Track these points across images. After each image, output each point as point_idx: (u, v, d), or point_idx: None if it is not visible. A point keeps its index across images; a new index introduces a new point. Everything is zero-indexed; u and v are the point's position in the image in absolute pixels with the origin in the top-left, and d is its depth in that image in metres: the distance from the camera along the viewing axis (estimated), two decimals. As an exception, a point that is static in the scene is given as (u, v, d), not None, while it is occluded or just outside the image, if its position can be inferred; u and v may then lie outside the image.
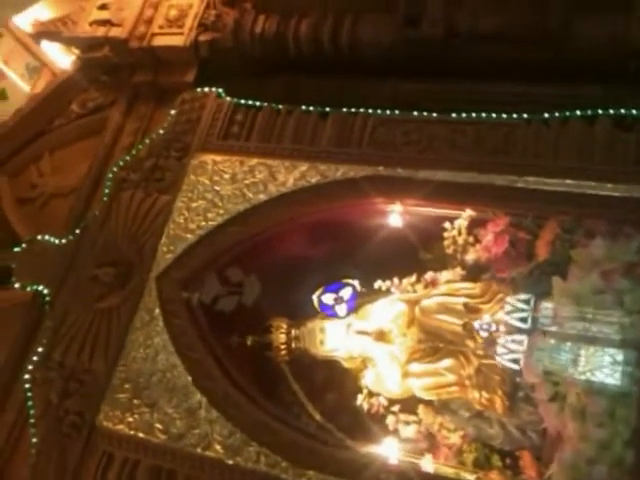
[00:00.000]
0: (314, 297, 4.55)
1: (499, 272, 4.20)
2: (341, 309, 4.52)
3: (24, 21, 6.73)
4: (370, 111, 4.50)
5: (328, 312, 4.52)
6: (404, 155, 4.25)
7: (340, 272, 4.72)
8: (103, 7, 5.69)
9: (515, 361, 3.89)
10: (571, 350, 3.77)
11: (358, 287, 4.55)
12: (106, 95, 5.83)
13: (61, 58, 7.51)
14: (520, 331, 3.93)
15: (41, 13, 6.39)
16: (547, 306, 3.93)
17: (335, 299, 4.54)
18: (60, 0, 6.20)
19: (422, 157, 4.21)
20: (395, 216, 4.39)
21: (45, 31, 6.01)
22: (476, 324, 4.04)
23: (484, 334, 4.01)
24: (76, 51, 6.00)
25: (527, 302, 3.98)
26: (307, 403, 4.52)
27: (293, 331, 4.53)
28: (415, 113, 4.40)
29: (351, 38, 4.96)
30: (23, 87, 7.67)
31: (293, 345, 4.55)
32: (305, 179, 4.39)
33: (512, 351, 3.92)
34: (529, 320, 3.92)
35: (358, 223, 4.57)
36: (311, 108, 4.68)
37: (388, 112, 4.47)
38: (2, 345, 5.03)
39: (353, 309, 4.56)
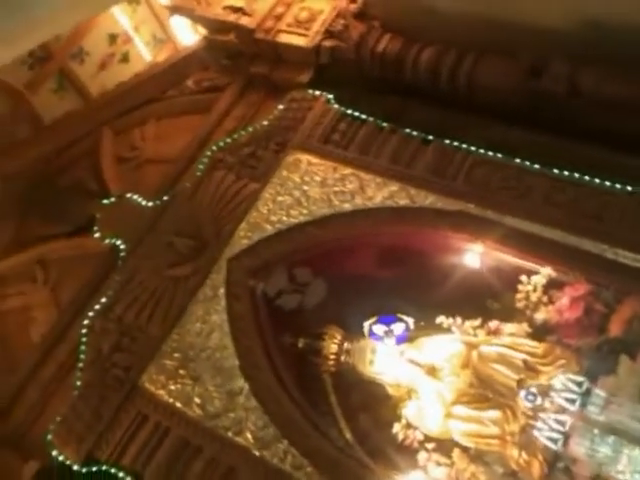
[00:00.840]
0: (366, 324, 4.54)
1: (566, 338, 4.09)
2: (390, 342, 4.50)
3: (164, -7, 7.02)
4: (473, 148, 4.48)
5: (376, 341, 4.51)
6: (498, 199, 4.21)
7: (403, 299, 4.69)
8: (239, -5, 5.88)
9: (553, 440, 3.77)
10: (614, 445, 3.63)
11: (411, 325, 4.52)
12: (222, 78, 6.03)
13: (186, 35, 7.80)
14: (565, 412, 3.81)
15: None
16: (599, 393, 3.79)
17: (386, 331, 4.52)
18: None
19: (515, 204, 4.15)
20: (473, 256, 4.34)
21: (180, 6, 6.26)
22: (522, 393, 3.94)
23: (528, 404, 3.92)
24: (202, 31, 6.22)
25: (580, 385, 3.86)
26: (340, 419, 4.49)
27: (346, 344, 4.53)
28: (517, 160, 4.35)
29: (470, 76, 4.97)
30: (145, 55, 7.99)
31: (342, 358, 4.54)
32: (393, 199, 4.41)
33: (553, 429, 3.81)
34: (577, 403, 3.79)
35: (433, 254, 4.54)
36: (415, 133, 4.70)
37: (490, 154, 4.43)
38: (70, 288, 5.26)
39: (402, 342, 4.52)
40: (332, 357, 4.54)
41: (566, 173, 4.22)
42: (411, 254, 4.63)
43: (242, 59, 5.87)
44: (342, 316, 4.68)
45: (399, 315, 4.56)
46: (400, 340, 4.52)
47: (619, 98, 4.41)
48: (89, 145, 6.09)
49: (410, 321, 4.52)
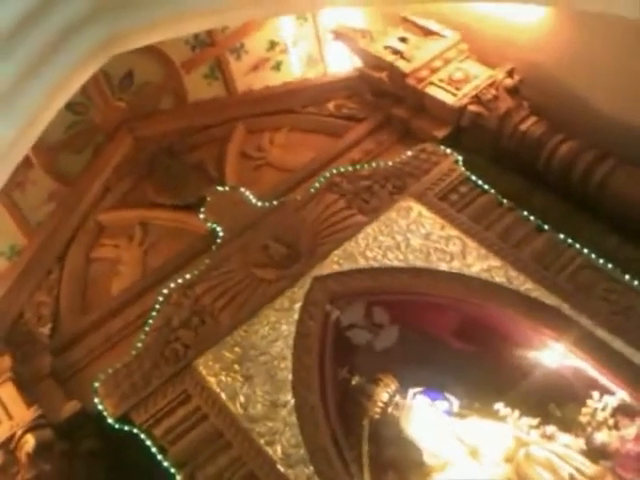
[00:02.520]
0: (411, 391, 4.48)
1: (621, 468, 3.92)
2: (438, 413, 4.43)
3: (331, 17, 7.26)
4: (585, 250, 4.40)
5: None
6: (595, 308, 4.10)
7: (466, 373, 4.61)
8: (403, 40, 6.05)
9: None
10: None
11: (455, 407, 4.44)
12: (361, 110, 6.20)
13: (339, 61, 8.02)
14: None
15: (351, 18, 6.88)
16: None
17: (428, 404, 4.45)
18: (377, 15, 6.63)
19: (612, 319, 4.03)
20: (551, 354, 4.23)
21: (345, 34, 6.49)
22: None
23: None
24: (357, 62, 6.42)
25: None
26: (366, 470, 4.43)
27: (397, 397, 4.49)
28: (627, 277, 4.24)
29: (603, 180, 4.90)
30: (295, 69, 8.26)
31: (389, 409, 4.50)
32: (490, 273, 4.37)
33: None
34: None
35: (512, 340, 4.46)
36: (532, 217, 4.66)
37: (601, 261, 4.33)
38: (160, 256, 5.48)
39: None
40: (380, 405, 4.50)
41: (673, 305, 4.06)
42: (490, 332, 4.56)
43: (386, 98, 6.01)
44: (402, 369, 4.64)
45: (446, 394, 4.51)
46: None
47: None
48: (221, 134, 6.36)
49: (455, 403, 4.46)
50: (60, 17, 3.80)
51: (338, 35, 6.78)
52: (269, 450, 3.93)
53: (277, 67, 8.12)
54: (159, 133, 6.41)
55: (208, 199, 5.36)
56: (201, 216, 5.28)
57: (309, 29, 8.17)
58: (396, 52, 5.94)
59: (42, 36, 3.74)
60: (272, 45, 7.94)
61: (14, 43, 3.41)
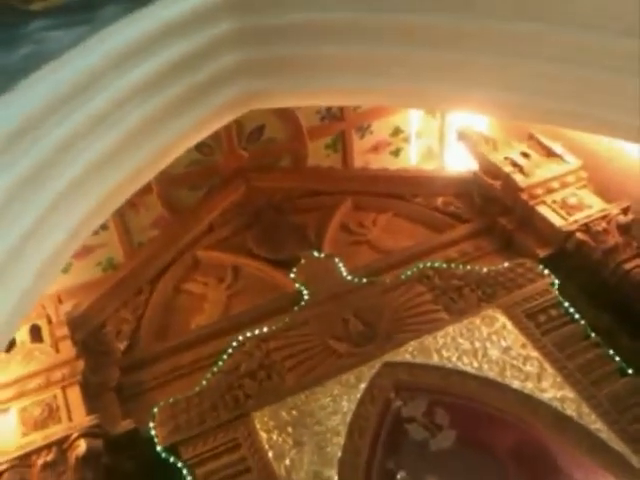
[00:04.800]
0: None
1: None
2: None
3: (459, 117, 7.48)
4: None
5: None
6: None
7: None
8: (525, 155, 6.14)
9: None
10: None
11: None
12: (467, 212, 6.27)
13: (456, 159, 8.20)
14: None
15: (478, 122, 7.07)
16: None
17: None
18: (504, 126, 6.78)
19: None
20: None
21: (469, 137, 6.65)
22: None
23: None
24: (474, 166, 6.54)
25: None
26: None
27: (438, 503, 4.38)
28: None
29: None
30: (412, 159, 8.50)
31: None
32: (562, 404, 4.27)
33: None
34: None
35: (566, 475, 4.30)
36: (617, 358, 4.54)
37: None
38: (243, 304, 5.67)
39: None
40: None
41: None
42: (546, 462, 4.41)
43: (495, 206, 6.07)
44: (450, 476, 4.54)
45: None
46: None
47: None
48: (329, 203, 6.59)
49: None
50: (213, 66, 4.14)
51: (462, 136, 6.95)
52: (300, 520, 3.92)
53: (396, 153, 8.41)
54: (272, 188, 6.72)
55: (302, 261, 5.53)
56: (291, 275, 5.45)
57: (435, 124, 8.46)
58: (515, 165, 6.02)
59: (194, 79, 4.07)
60: (397, 132, 8.25)
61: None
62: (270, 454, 4.24)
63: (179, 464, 4.31)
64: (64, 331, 4.93)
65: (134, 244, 7.04)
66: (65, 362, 4.72)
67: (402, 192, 6.63)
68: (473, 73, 3.68)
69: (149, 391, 5.00)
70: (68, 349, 4.81)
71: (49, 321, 4.98)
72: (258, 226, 6.36)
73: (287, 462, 4.18)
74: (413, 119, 8.32)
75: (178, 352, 5.23)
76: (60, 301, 5.31)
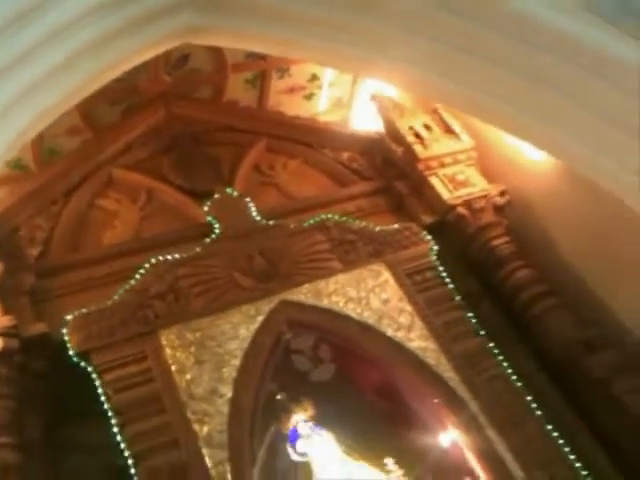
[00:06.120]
0: (301, 419, 5.09)
1: None
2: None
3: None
4: (505, 364, 5.20)
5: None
6: (495, 411, 4.90)
7: (370, 423, 5.27)
8: (427, 127, 6.80)
9: None
10: None
11: (329, 448, 5.02)
12: (368, 170, 6.92)
13: (362, 118, 8.74)
14: None
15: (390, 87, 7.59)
16: None
17: (305, 435, 5.07)
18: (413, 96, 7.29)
19: (503, 425, 4.83)
20: (447, 436, 4.96)
21: (380, 100, 7.19)
22: None
23: None
24: (380, 127, 7.12)
25: None
26: (256, 472, 4.98)
27: (309, 423, 5.13)
28: (529, 398, 5.04)
29: (539, 314, 5.72)
30: (321, 106, 8.93)
31: (298, 429, 5.13)
32: (425, 353, 5.12)
33: None
34: None
35: (419, 412, 5.21)
36: (474, 320, 5.45)
37: (514, 377, 5.13)
38: (153, 227, 6.05)
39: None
40: (293, 421, 5.13)
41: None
42: (403, 400, 5.30)
43: (393, 170, 6.74)
44: (322, 402, 5.30)
45: (327, 432, 5.11)
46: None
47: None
48: (243, 141, 6.98)
49: (331, 445, 5.05)
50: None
51: (373, 97, 7.51)
52: (197, 427, 4.55)
53: (308, 97, 8.84)
54: (191, 118, 6.98)
55: (216, 196, 5.95)
56: (205, 208, 5.87)
57: (349, 79, 8.93)
58: (417, 136, 6.68)
59: (139, 7, 4.32)
60: (313, 78, 8.66)
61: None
62: (173, 368, 4.79)
63: (89, 369, 4.77)
64: (-18, 234, 5.13)
65: (44, 149, 7.10)
66: (-18, 264, 4.96)
67: (312, 141, 7.11)
68: (385, 44, 4.24)
69: (60, 297, 5.33)
70: (-14, 252, 5.05)
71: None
72: (175, 153, 6.65)
73: (188, 377, 4.77)
74: (329, 70, 8.73)
75: (90, 265, 5.57)
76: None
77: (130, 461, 4.42)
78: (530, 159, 6.14)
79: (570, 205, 5.83)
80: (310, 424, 5.12)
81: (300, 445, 5.06)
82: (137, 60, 4.57)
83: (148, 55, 4.70)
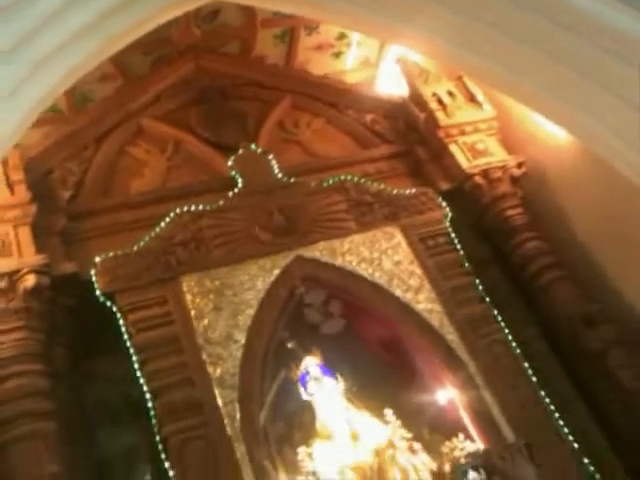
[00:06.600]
0: (311, 362, 5.30)
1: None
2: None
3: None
4: (507, 330, 5.44)
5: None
6: (493, 374, 5.16)
7: (375, 375, 5.53)
8: (450, 94, 6.90)
9: None
10: None
11: (338, 391, 5.24)
12: (390, 133, 7.05)
13: (389, 80, 8.82)
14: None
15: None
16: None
17: (315, 377, 5.28)
18: (442, 66, 7.37)
19: (501, 390, 5.10)
20: (445, 392, 5.23)
21: (406, 65, 7.29)
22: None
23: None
24: (405, 91, 7.24)
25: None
26: (264, 412, 5.23)
27: (315, 367, 5.39)
28: (526, 364, 5.30)
29: (546, 285, 5.94)
30: (349, 64, 9.02)
31: (307, 376, 5.39)
32: (430, 315, 5.38)
33: None
34: None
35: (421, 369, 5.48)
36: (480, 287, 5.68)
37: (514, 344, 5.38)
38: (179, 177, 6.29)
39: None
40: (302, 370, 5.41)
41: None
42: (408, 357, 5.57)
43: (415, 135, 6.88)
44: (331, 352, 5.55)
45: (338, 375, 5.34)
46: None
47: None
48: (269, 97, 7.13)
49: (341, 386, 5.29)
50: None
51: (400, 61, 7.60)
52: (210, 369, 4.87)
53: (336, 55, 8.92)
54: (219, 71, 7.14)
55: (240, 151, 6.16)
56: (229, 163, 6.09)
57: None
58: (440, 102, 6.80)
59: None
60: (341, 36, 8.73)
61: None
62: (192, 313, 5.09)
63: (114, 309, 5.09)
64: (20, 175, 5.40)
65: (77, 95, 7.33)
66: (18, 204, 5.25)
67: (337, 101, 7.25)
68: (410, 13, 4.38)
69: (90, 239, 5.61)
70: (22, 193, 5.32)
71: (5, 163, 5.40)
72: (203, 106, 6.84)
73: (205, 322, 5.07)
74: (360, 29, 8.76)
75: (119, 210, 5.84)
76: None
77: (148, 395, 4.76)
78: (551, 133, 6.20)
79: (587, 183, 5.93)
80: (321, 367, 5.34)
81: (311, 386, 5.29)
82: (164, 18, 4.74)
83: (176, 13, 4.87)
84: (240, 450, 4.57)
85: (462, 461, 4.97)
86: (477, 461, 2.46)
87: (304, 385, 5.30)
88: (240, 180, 5.96)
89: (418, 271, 5.58)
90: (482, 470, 2.39)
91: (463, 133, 6.61)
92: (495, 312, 5.54)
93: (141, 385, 4.80)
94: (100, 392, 4.98)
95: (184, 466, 4.51)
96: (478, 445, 4.98)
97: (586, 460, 4.90)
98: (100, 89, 7.28)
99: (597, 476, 4.91)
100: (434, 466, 5.01)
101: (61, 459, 4.53)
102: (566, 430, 5.00)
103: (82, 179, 6.07)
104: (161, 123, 6.69)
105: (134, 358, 4.90)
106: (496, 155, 6.52)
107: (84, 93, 7.31)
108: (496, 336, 5.35)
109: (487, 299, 5.59)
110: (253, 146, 6.28)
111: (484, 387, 5.05)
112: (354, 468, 4.98)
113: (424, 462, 5.04)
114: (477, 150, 6.54)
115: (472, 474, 2.41)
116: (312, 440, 5.14)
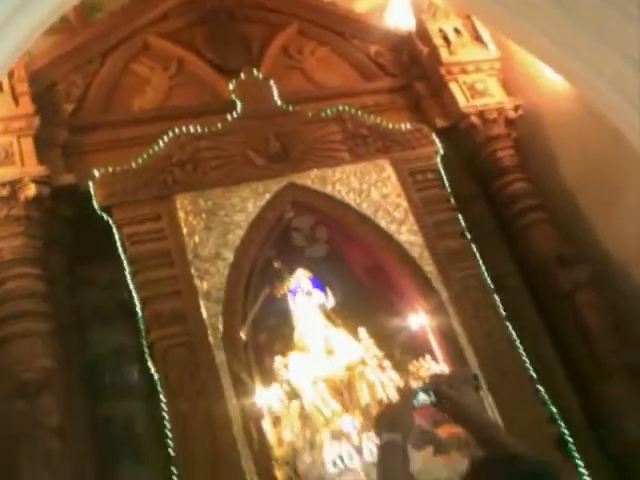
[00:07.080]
0: (300, 273, 5.62)
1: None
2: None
3: None
4: (482, 264, 5.70)
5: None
6: (464, 305, 5.46)
7: (353, 292, 5.84)
8: (457, 31, 6.92)
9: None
10: None
11: (328, 304, 5.56)
12: (393, 66, 7.09)
13: (397, 12, 8.72)
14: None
15: None
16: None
17: (306, 291, 5.62)
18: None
19: (469, 321, 5.41)
20: (417, 317, 5.53)
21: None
22: (347, 418, 5.06)
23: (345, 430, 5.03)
24: (412, 25, 7.23)
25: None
26: (247, 324, 5.50)
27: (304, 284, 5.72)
28: (496, 297, 5.58)
29: (527, 225, 6.16)
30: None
31: (289, 294, 5.76)
32: (411, 247, 5.63)
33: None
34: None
35: (398, 294, 5.76)
36: (462, 223, 5.90)
37: (489, 279, 5.65)
38: (180, 96, 6.42)
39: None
40: (285, 289, 5.70)
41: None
42: (387, 283, 5.86)
43: (417, 69, 6.94)
44: (314, 273, 5.80)
45: (328, 290, 5.64)
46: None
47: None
48: (275, 21, 7.13)
49: (330, 300, 5.61)
50: None
51: (411, 5, 7.52)
52: (198, 283, 5.16)
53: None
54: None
55: (242, 76, 6.26)
56: (230, 86, 6.20)
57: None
58: (446, 39, 6.83)
59: None
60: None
61: None
62: (184, 230, 5.33)
63: (110, 221, 5.35)
64: (24, 87, 5.55)
65: (86, 5, 7.35)
66: (23, 115, 5.43)
67: (344, 30, 7.24)
68: None
69: (90, 153, 5.78)
70: (27, 104, 5.49)
71: (11, 75, 5.53)
72: (209, 26, 6.86)
73: (196, 239, 5.32)
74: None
75: (119, 126, 5.98)
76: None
77: (137, 303, 5.08)
78: (552, 80, 6.24)
79: (580, 132, 6.01)
80: (312, 280, 5.63)
81: (299, 297, 5.61)
82: None
83: None
84: (220, 357, 4.90)
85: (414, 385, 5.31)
86: (427, 385, 2.73)
87: (294, 295, 5.62)
88: (239, 104, 6.08)
89: (404, 204, 5.78)
90: (431, 393, 2.66)
91: (464, 71, 6.66)
92: (474, 247, 5.76)
93: (130, 292, 5.11)
94: (94, 296, 5.31)
95: (167, 369, 4.86)
96: (442, 367, 5.33)
97: (542, 389, 5.23)
98: (109, 1, 7.32)
99: (553, 407, 5.26)
100: (401, 383, 5.35)
101: (55, 355, 4.89)
102: (527, 361, 5.31)
103: (85, 93, 6.18)
104: (166, 40, 6.74)
105: (127, 269, 5.18)
106: (494, 96, 6.59)
107: (93, 4, 7.35)
108: (472, 271, 5.60)
109: (469, 234, 5.80)
110: (255, 72, 6.36)
111: (454, 315, 5.34)
112: (326, 380, 5.31)
113: (391, 378, 5.38)
114: (476, 90, 6.61)
115: (422, 396, 2.69)
116: (289, 351, 5.47)
